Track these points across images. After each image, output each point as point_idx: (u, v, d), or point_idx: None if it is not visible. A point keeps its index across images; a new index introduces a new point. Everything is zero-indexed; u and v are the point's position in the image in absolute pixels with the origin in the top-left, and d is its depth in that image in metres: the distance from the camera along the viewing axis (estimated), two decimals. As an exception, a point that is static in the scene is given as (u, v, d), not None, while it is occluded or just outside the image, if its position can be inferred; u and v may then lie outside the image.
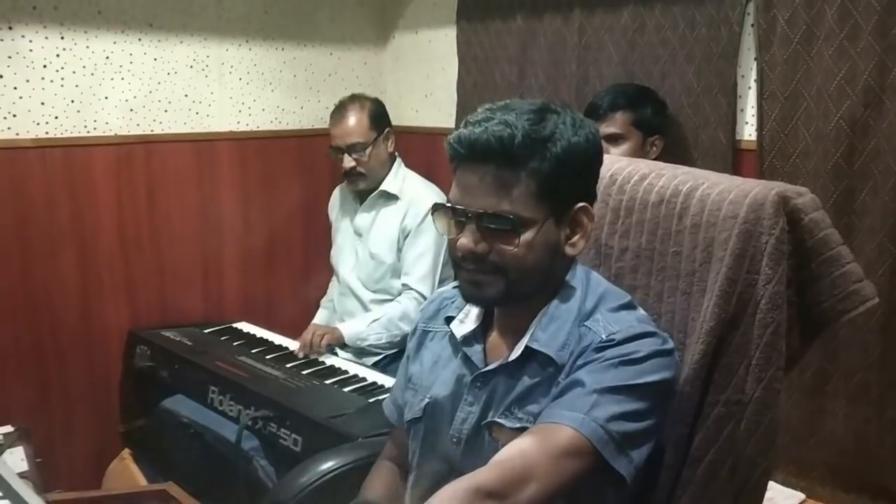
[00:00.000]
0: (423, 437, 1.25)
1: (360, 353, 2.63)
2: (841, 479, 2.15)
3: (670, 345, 1.14)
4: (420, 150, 2.84)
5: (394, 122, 2.86)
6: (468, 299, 1.17)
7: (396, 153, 2.69)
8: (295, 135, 3.00)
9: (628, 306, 1.18)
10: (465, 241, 1.10)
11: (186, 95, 2.71)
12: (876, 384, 2.04)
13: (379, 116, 2.62)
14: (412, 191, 2.62)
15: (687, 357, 1.20)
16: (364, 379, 2.21)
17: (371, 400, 2.01)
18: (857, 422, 2.09)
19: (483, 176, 1.08)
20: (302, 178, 3.02)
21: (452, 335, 1.25)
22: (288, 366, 2.30)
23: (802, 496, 2.16)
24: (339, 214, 2.84)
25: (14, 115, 2.37)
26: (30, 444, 2.03)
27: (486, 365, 1.19)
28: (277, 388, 2.11)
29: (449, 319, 1.26)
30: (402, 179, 2.65)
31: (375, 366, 2.45)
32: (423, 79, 3.10)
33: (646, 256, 1.32)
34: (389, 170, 2.64)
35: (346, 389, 2.13)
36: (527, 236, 1.09)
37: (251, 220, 2.92)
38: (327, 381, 2.18)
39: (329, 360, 2.38)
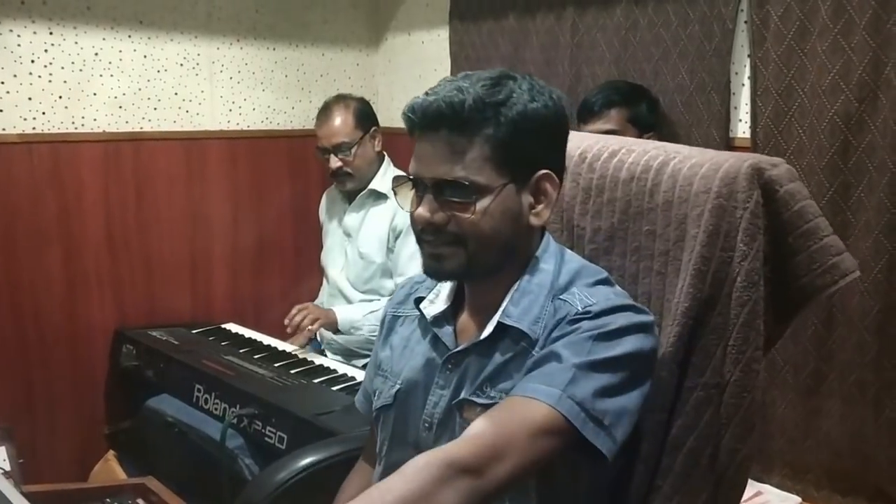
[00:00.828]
0: (392, 425, 1.21)
1: (348, 354, 2.60)
2: (837, 482, 2.12)
3: (650, 317, 1.11)
4: (412, 151, 2.82)
5: (386, 124, 2.84)
6: (430, 273, 1.13)
7: (385, 153, 2.67)
8: (286, 135, 2.98)
9: (605, 282, 1.14)
10: (421, 211, 1.08)
11: (176, 93, 2.69)
12: (872, 384, 2.01)
13: (364, 116, 2.60)
14: None
15: (663, 340, 1.16)
16: (353, 378, 2.17)
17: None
18: (854, 423, 2.06)
19: (436, 143, 1.06)
20: (293, 179, 2.99)
21: (422, 318, 1.21)
22: (276, 365, 2.27)
23: (798, 499, 2.13)
24: (328, 216, 2.82)
25: (1, 110, 2.34)
26: (13, 443, 1.99)
27: (458, 346, 1.16)
28: (264, 385, 2.08)
29: (419, 301, 1.22)
30: (390, 179, 2.61)
31: (364, 367, 2.42)
32: (416, 80, 3.08)
33: (619, 237, 1.27)
34: (377, 169, 2.62)
35: (334, 388, 2.09)
36: (483, 203, 1.05)
37: (241, 220, 2.89)
38: (315, 380, 2.15)
39: (318, 360, 2.34)
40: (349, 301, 2.64)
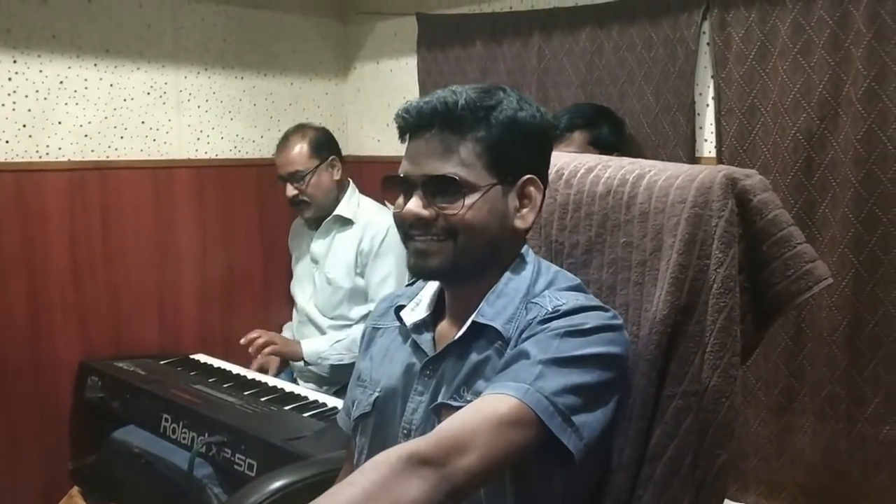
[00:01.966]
0: (371, 433, 1.20)
1: (320, 381, 2.57)
2: (812, 498, 2.12)
3: (619, 320, 1.13)
4: (381, 177, 2.81)
5: (355, 152, 2.84)
6: (416, 271, 1.15)
7: (349, 180, 2.69)
8: (255, 164, 2.96)
9: (577, 288, 1.17)
10: (411, 206, 1.11)
11: (143, 122, 2.67)
12: (843, 398, 2.02)
13: (321, 145, 2.62)
14: (367, 214, 2.61)
15: (641, 349, 1.17)
16: (324, 404, 2.14)
17: (330, 423, 1.94)
18: (826, 438, 2.06)
19: (429, 141, 1.10)
20: (262, 208, 2.97)
21: (402, 327, 1.23)
22: (245, 392, 2.23)
23: (776, 517, 2.12)
24: (296, 244, 2.84)
25: (-38, 139, 2.30)
26: (-28, 480, 1.94)
27: (436, 352, 1.17)
28: (233, 413, 2.04)
29: (399, 309, 1.24)
30: (356, 204, 2.65)
31: (337, 394, 2.38)
32: (385, 108, 3.09)
33: (597, 249, 1.29)
34: (338, 197, 2.64)
35: (304, 414, 2.06)
36: (472, 199, 1.09)
37: (209, 249, 2.85)
38: (286, 407, 2.11)
39: (288, 387, 2.30)
40: (319, 328, 2.62)
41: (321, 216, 2.63)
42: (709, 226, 1.13)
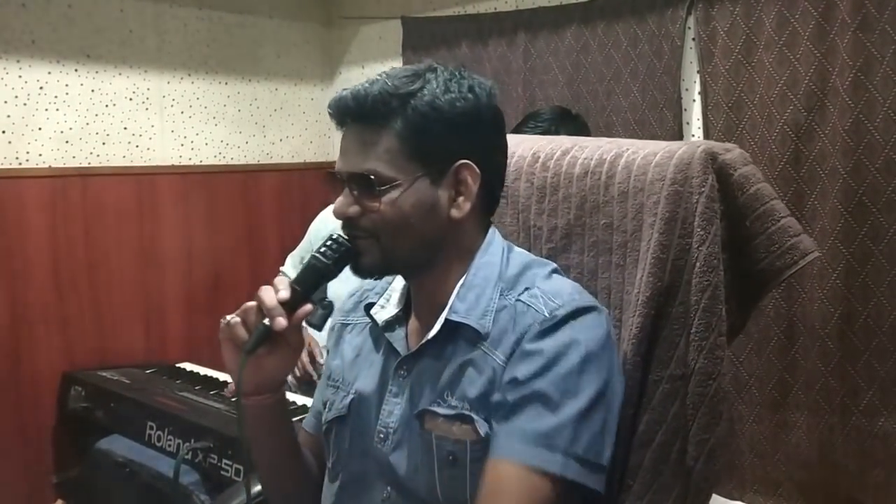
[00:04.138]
0: (349, 437, 1.13)
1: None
2: (809, 494, 2.09)
3: (605, 312, 1.08)
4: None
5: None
6: (353, 271, 1.09)
7: None
8: (240, 170, 2.94)
9: (557, 271, 1.12)
10: (336, 204, 1.05)
11: (126, 128, 2.63)
12: (837, 392, 2.01)
13: None
14: None
15: (624, 333, 1.13)
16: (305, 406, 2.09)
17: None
18: (821, 432, 2.05)
19: (349, 137, 1.04)
20: (247, 214, 2.94)
21: (374, 325, 1.17)
22: (232, 399, 2.18)
23: (770, 513, 2.10)
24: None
25: (-60, 146, 2.27)
26: (-49, 495, 1.89)
27: (409, 350, 1.11)
28: (219, 418, 2.00)
29: (369, 307, 1.18)
30: None
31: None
32: (371, 112, 3.07)
33: (576, 233, 1.24)
34: None
35: (292, 419, 2.01)
36: (391, 196, 1.02)
37: (194, 256, 2.82)
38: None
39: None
40: None
41: None
42: (689, 203, 1.08)
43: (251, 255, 2.97)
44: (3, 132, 2.37)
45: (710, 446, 1.10)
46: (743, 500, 2.18)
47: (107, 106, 2.58)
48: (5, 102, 2.37)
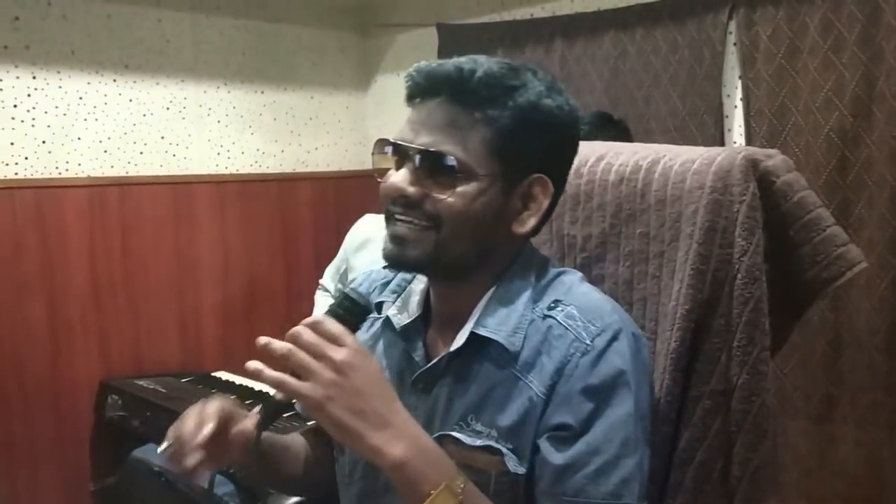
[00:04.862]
0: None
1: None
2: (855, 511, 2.03)
3: (640, 333, 1.01)
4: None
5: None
6: (389, 259, 0.98)
7: None
8: (275, 178, 2.94)
9: (585, 281, 1.04)
10: (396, 179, 0.94)
11: (163, 137, 2.65)
12: (886, 405, 1.95)
13: None
14: None
15: (661, 347, 1.09)
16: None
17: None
18: (869, 447, 1.98)
19: (434, 111, 0.94)
20: (283, 222, 2.94)
21: (389, 325, 1.07)
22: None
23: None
24: (373, 264, 2.52)
25: (-18, 156, 2.30)
26: (-9, 502, 1.90)
27: (429, 362, 1.02)
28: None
29: (380, 306, 1.09)
30: None
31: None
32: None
33: (611, 242, 1.19)
34: None
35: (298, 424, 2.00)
36: (466, 187, 0.93)
37: (230, 264, 2.83)
38: (309, 423, 2.06)
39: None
40: None
41: None
42: (730, 212, 1.04)
43: (286, 262, 2.97)
44: (44, 142, 2.40)
45: (755, 465, 1.05)
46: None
47: (144, 115, 2.60)
48: (46, 113, 2.40)
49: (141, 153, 2.61)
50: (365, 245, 2.47)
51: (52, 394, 2.45)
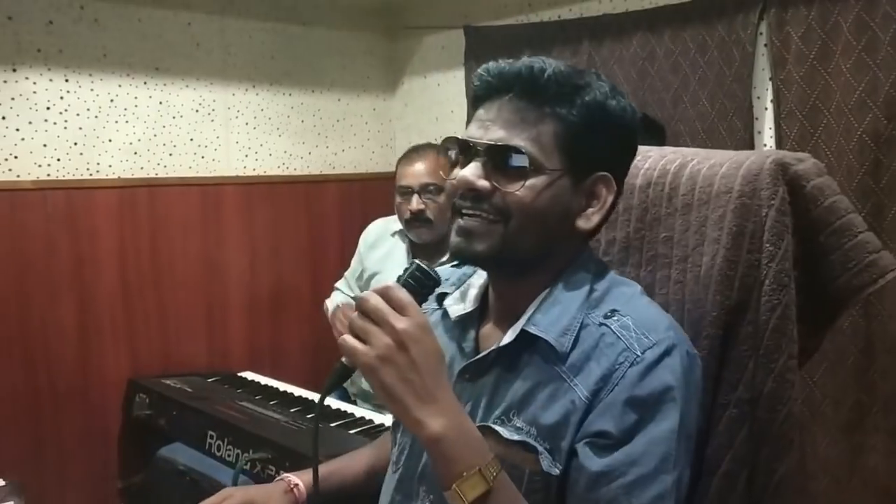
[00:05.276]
0: (413, 436, 1.07)
1: (381, 406, 2.52)
2: (888, 522, 1.99)
3: (695, 353, 1.00)
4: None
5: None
6: (456, 252, 1.01)
7: None
8: (303, 180, 2.96)
9: (642, 293, 1.04)
10: (466, 172, 0.97)
11: (192, 139, 2.68)
12: (919, 415, 1.90)
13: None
14: None
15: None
16: (371, 421, 2.09)
17: (374, 439, 1.89)
18: (902, 458, 1.94)
19: (503, 108, 0.97)
20: (310, 225, 2.96)
21: (446, 316, 1.11)
22: (291, 410, 2.19)
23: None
24: (382, 261, 2.52)
25: (16, 157, 2.33)
26: (22, 499, 1.92)
27: (479, 354, 1.05)
28: (278, 430, 2.00)
29: (442, 297, 1.12)
30: None
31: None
32: (433, 122, 3.07)
33: (634, 246, 1.19)
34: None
35: (351, 431, 2.01)
36: (535, 181, 0.95)
37: (257, 266, 2.85)
38: (332, 424, 2.07)
39: (335, 405, 2.26)
40: None
41: (433, 243, 2.37)
42: (758, 216, 1.03)
43: (313, 264, 2.99)
44: (76, 144, 2.44)
45: (780, 476, 1.03)
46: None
47: (174, 118, 2.63)
48: (77, 115, 2.43)
49: (170, 155, 2.63)
50: (375, 244, 2.51)
51: (81, 392, 2.48)
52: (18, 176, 2.34)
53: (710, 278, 1.07)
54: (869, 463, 1.99)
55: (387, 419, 2.12)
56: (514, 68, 0.97)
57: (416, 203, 2.31)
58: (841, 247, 1.04)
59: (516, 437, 0.96)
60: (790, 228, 1.04)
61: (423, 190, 2.32)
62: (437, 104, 3.06)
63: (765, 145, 2.14)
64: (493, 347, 1.03)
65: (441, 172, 1.05)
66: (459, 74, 2.89)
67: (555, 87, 0.95)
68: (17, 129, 2.33)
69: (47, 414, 2.42)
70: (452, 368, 1.06)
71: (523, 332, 0.99)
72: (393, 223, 2.47)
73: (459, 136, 1.00)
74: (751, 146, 2.13)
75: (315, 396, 2.36)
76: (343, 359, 0.91)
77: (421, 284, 0.94)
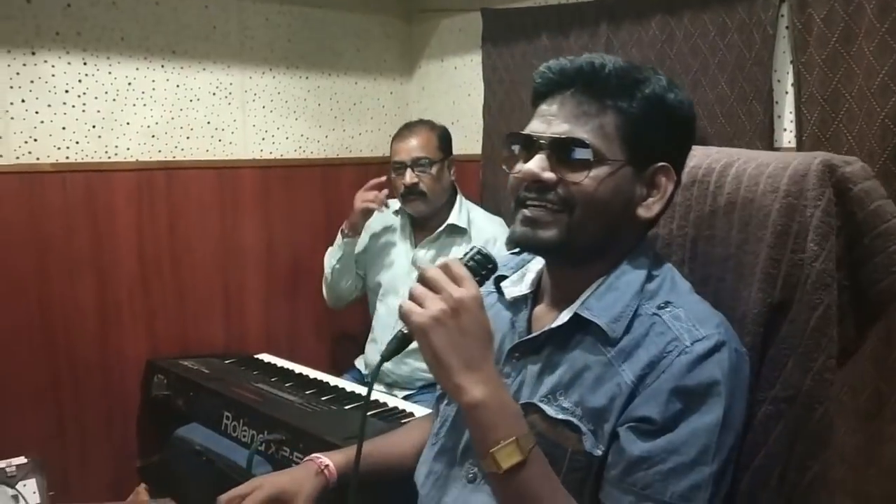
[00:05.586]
0: (458, 408, 1.12)
1: (391, 385, 2.53)
2: (904, 511, 1.97)
3: (745, 351, 1.03)
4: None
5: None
6: (520, 241, 1.04)
7: (457, 187, 2.59)
8: (320, 164, 2.96)
9: (694, 292, 1.07)
10: (531, 165, 1.01)
11: (209, 122, 2.69)
12: (939, 404, 1.88)
13: (446, 141, 2.56)
14: (480, 225, 2.51)
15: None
16: (385, 405, 2.10)
17: (391, 424, 1.89)
18: (920, 447, 1.92)
19: (566, 103, 1.02)
20: (327, 208, 2.96)
21: (501, 297, 1.16)
22: (306, 392, 2.21)
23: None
24: (381, 247, 2.66)
25: (35, 140, 2.35)
26: (43, 476, 1.95)
27: (530, 334, 1.09)
28: (292, 411, 2.01)
29: (500, 279, 1.17)
30: (466, 213, 2.54)
31: (407, 399, 2.33)
32: (450, 106, 3.05)
33: (677, 244, 1.21)
34: (450, 201, 2.53)
35: (368, 414, 2.01)
36: (598, 171, 1.00)
37: (274, 248, 2.86)
38: (346, 407, 2.08)
39: (349, 387, 2.27)
40: None
41: (429, 215, 2.50)
42: (803, 216, 1.04)
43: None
44: (94, 127, 2.45)
45: (813, 473, 1.04)
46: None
47: (191, 101, 2.64)
48: (96, 98, 2.45)
49: (187, 138, 2.64)
50: (377, 218, 2.66)
51: (101, 372, 2.51)
52: (38, 158, 2.36)
53: (753, 276, 1.08)
54: (887, 452, 1.97)
55: (400, 402, 2.13)
56: (575, 64, 1.02)
57: (409, 177, 2.44)
58: (885, 250, 1.05)
59: (561, 416, 1.00)
60: (835, 230, 1.05)
61: (416, 164, 2.44)
62: (454, 87, 3.05)
63: (785, 129, 2.11)
64: (545, 328, 1.06)
65: (504, 166, 1.09)
66: (476, 58, 2.88)
67: (615, 80, 1.00)
68: (37, 113, 2.35)
69: (67, 394, 2.45)
70: (503, 346, 1.10)
71: (576, 315, 1.03)
72: (395, 203, 2.57)
73: (522, 132, 1.05)
74: (770, 131, 2.10)
75: (330, 378, 2.38)
76: (403, 328, 0.96)
77: (480, 266, 1.00)
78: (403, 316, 0.93)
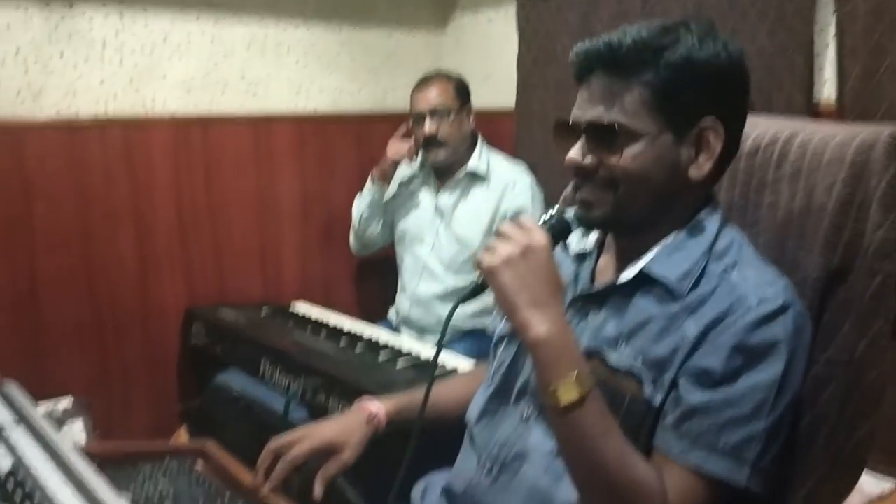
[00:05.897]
0: (516, 353, 1.18)
1: (422, 331, 2.57)
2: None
3: (807, 315, 1.06)
4: (481, 131, 2.75)
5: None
6: (579, 222, 1.11)
7: (479, 134, 2.64)
8: (354, 117, 2.97)
9: (765, 261, 1.09)
10: (572, 153, 1.06)
11: (243, 77, 2.70)
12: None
13: (463, 90, 2.60)
14: (501, 172, 2.56)
15: None
16: (418, 356, 2.14)
17: (422, 374, 1.94)
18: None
19: (594, 86, 1.05)
20: (360, 160, 2.97)
21: (566, 252, 1.21)
22: (341, 341, 2.25)
23: (893, 484, 1.99)
24: (407, 195, 2.73)
25: (74, 94, 2.39)
26: (89, 416, 2.04)
27: (593, 288, 1.13)
28: (328, 359, 2.07)
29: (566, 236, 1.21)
30: (487, 160, 2.58)
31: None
32: (484, 59, 3.03)
33: (737, 210, 1.24)
34: (470, 148, 2.58)
35: (399, 364, 2.06)
36: (634, 148, 1.02)
37: (309, 200, 2.89)
38: (380, 356, 2.12)
39: (384, 338, 2.32)
40: (441, 282, 2.58)
41: (450, 163, 2.57)
42: (869, 186, 1.06)
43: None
44: (131, 80, 2.48)
45: (861, 436, 1.06)
46: (867, 469, 2.08)
47: (225, 55, 2.65)
48: (133, 52, 2.47)
49: (223, 92, 2.67)
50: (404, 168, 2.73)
51: (142, 320, 2.59)
52: (78, 112, 2.40)
53: (815, 243, 1.11)
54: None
55: (431, 352, 2.17)
56: (594, 47, 1.04)
57: (428, 127, 2.49)
58: None
59: (622, 364, 1.04)
60: None
61: (434, 113, 2.49)
62: (487, 40, 3.02)
63: (826, 82, 2.07)
64: (608, 282, 1.11)
65: (557, 151, 1.13)
66: (511, 11, 2.84)
67: (634, 55, 1.01)
68: (75, 66, 2.38)
69: (111, 340, 2.53)
70: (566, 297, 1.13)
71: (641, 273, 1.07)
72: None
73: (565, 119, 1.09)
74: (810, 83, 2.07)
75: (364, 329, 2.42)
76: (478, 276, 1.03)
77: (558, 227, 1.08)
78: (477, 263, 0.99)
